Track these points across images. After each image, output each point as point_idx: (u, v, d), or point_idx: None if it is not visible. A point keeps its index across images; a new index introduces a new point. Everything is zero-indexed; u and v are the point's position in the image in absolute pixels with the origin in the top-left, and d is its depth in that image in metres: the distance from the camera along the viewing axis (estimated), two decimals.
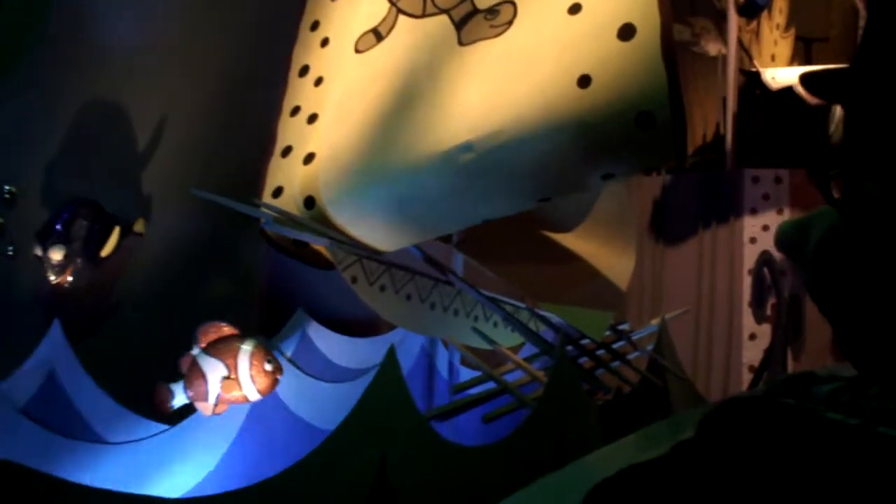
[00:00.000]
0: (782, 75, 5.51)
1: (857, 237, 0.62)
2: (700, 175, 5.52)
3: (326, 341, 2.95)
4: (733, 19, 5.78)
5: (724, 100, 5.74)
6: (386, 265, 2.83)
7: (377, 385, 2.23)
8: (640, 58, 2.32)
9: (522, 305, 3.15)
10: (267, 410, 2.61)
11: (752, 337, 4.95)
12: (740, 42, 6.21)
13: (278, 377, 2.49)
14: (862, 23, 6.86)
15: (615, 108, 2.34)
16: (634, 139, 2.35)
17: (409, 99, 2.68)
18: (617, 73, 2.35)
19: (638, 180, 5.77)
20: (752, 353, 4.93)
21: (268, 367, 2.47)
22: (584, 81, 2.38)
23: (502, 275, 2.88)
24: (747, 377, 4.94)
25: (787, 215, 5.13)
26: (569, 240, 3.13)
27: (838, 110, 5.19)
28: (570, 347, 2.96)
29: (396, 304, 2.86)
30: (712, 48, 6.33)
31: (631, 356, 3.34)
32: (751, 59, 5.88)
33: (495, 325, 3.34)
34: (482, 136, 2.47)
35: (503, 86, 2.50)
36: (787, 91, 5.35)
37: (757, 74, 5.56)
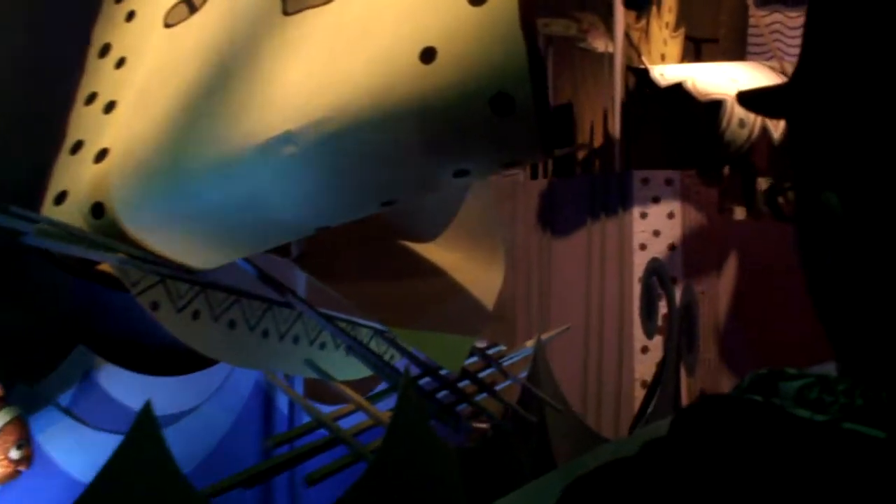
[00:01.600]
0: (671, 72, 5.23)
1: (819, 248, 0.62)
2: (587, 177, 5.18)
3: (119, 383, 2.39)
4: (619, 12, 5.47)
5: (614, 98, 5.43)
6: (200, 286, 2.31)
7: (129, 445, 1.71)
8: (494, 26, 1.88)
9: (383, 328, 2.66)
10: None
11: (644, 350, 4.62)
12: (629, 40, 5.94)
13: (20, 469, 1.94)
14: (752, 21, 6.73)
15: (466, 88, 1.89)
16: (490, 127, 1.90)
17: (223, 81, 2.17)
18: (467, 45, 1.89)
19: (524, 184, 5.40)
20: (645, 368, 4.60)
21: (14, 454, 1.92)
22: (427, 55, 1.92)
23: (348, 294, 2.40)
24: (640, 393, 4.60)
25: (678, 219, 4.83)
26: (430, 251, 2.68)
27: (730, 108, 4.94)
28: (427, 379, 2.51)
29: (215, 334, 2.34)
30: (600, 44, 6.04)
31: (501, 386, 2.90)
32: (640, 56, 5.59)
33: (348, 352, 2.85)
34: (305, 124, 1.98)
35: (332, 63, 2.01)
36: (677, 89, 5.06)
37: (645, 72, 5.26)
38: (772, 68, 5.39)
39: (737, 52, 6.37)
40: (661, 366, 4.09)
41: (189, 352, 2.26)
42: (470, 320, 2.53)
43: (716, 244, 4.89)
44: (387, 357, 2.68)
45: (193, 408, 2.43)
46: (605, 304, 4.80)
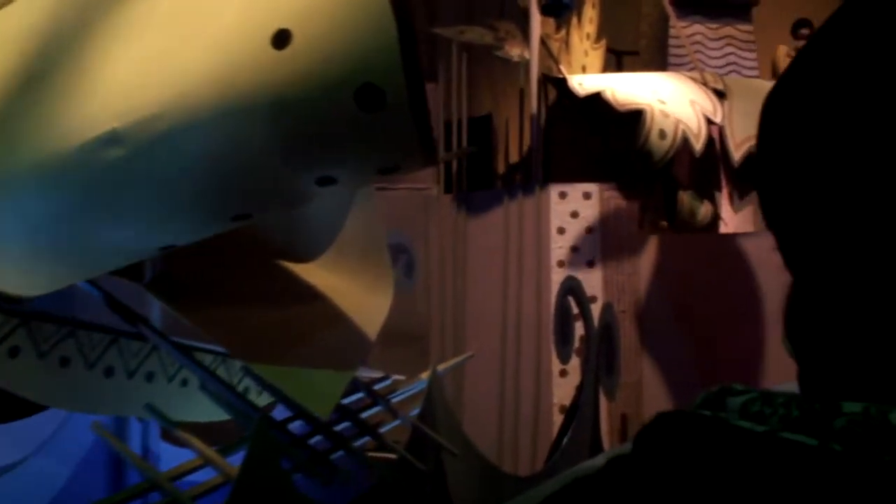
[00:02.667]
0: (590, 82, 5.01)
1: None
2: (503, 191, 4.91)
3: None
4: (536, 19, 5.24)
5: (534, 108, 5.19)
6: (20, 317, 1.94)
7: None
8: (360, 5, 1.57)
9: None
10: None
11: (563, 373, 4.35)
12: (548, 50, 5.72)
13: None
14: (672, 32, 6.60)
15: (327, 78, 1.58)
16: (356, 124, 1.59)
17: (44, 71, 1.82)
18: (328, 28, 1.58)
19: (437, 198, 5.11)
20: (563, 392, 4.32)
21: None
22: (281, 39, 1.60)
23: (205, 324, 2.05)
24: (558, 418, 4.32)
25: (596, 235, 4.59)
26: (311, 273, 2.35)
27: (650, 119, 4.74)
28: (298, 423, 2.17)
29: (42, 374, 1.97)
30: (516, 53, 5.81)
31: (388, 427, 2.55)
32: (557, 65, 5.36)
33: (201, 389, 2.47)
34: (133, 121, 1.64)
35: (168, 49, 1.68)
36: (596, 99, 4.84)
37: (563, 81, 5.03)
38: (693, 79, 5.22)
39: (658, 63, 6.22)
40: (579, 390, 3.83)
41: (7, 395, 1.88)
42: (348, 352, 2.21)
43: (637, 260, 4.66)
44: (258, 396, 2.33)
45: (17, 462, 2.04)
46: (522, 324, 4.52)
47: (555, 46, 6.24)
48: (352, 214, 2.40)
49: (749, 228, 5.05)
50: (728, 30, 6.20)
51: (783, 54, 6.45)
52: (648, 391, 4.61)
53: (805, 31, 5.89)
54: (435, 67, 5.46)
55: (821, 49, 0.63)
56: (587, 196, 4.63)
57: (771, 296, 4.34)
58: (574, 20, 6.22)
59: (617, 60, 7.44)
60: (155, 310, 2.28)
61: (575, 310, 3.47)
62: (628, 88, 4.94)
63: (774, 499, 0.55)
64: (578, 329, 3.58)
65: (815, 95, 0.62)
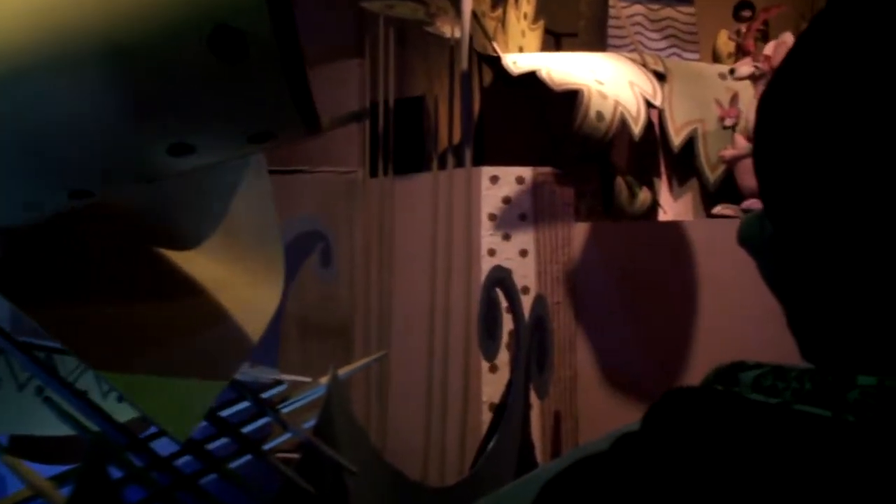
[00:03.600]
0: (525, 61, 4.74)
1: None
2: (433, 175, 4.62)
3: None
4: None
5: (464, 86, 4.90)
6: None
7: None
8: None
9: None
10: None
11: (493, 369, 4.09)
12: (482, 27, 5.44)
13: None
14: (612, 12, 6.37)
15: (173, 17, 1.26)
16: (213, 78, 1.28)
17: None
18: None
19: (362, 182, 4.80)
20: (493, 389, 4.07)
21: None
22: None
23: (51, 323, 1.71)
24: (488, 416, 4.06)
25: (530, 222, 4.33)
26: (190, 261, 2.03)
27: (587, 99, 4.48)
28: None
29: None
30: (448, 29, 5.51)
31: (274, 443, 2.22)
32: (490, 42, 5.08)
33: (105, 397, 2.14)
34: None
35: None
36: (530, 78, 4.58)
37: (497, 59, 4.76)
38: (633, 60, 4.99)
39: (597, 45, 5.96)
40: (508, 388, 3.56)
41: None
42: (223, 357, 1.89)
43: (572, 249, 4.42)
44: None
45: None
46: (451, 317, 4.24)
47: (490, 25, 5.95)
48: (241, 195, 2.08)
49: (689, 216, 4.85)
50: (669, 11, 5.99)
51: (724, 39, 6.26)
52: (583, 387, 4.38)
53: (746, 14, 5.71)
54: (362, 43, 5.13)
55: (816, 40, 0.64)
56: (520, 181, 4.37)
57: (711, 285, 4.12)
58: None
59: (556, 42, 7.18)
60: (4, 304, 1.94)
61: (504, 302, 3.20)
62: (565, 68, 4.69)
63: (789, 469, 0.56)
64: (508, 323, 3.32)
65: (811, 89, 0.62)
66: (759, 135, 0.67)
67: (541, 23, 6.40)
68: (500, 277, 3.20)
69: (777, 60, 4.11)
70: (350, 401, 2.65)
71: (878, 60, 0.57)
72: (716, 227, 4.16)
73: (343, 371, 2.64)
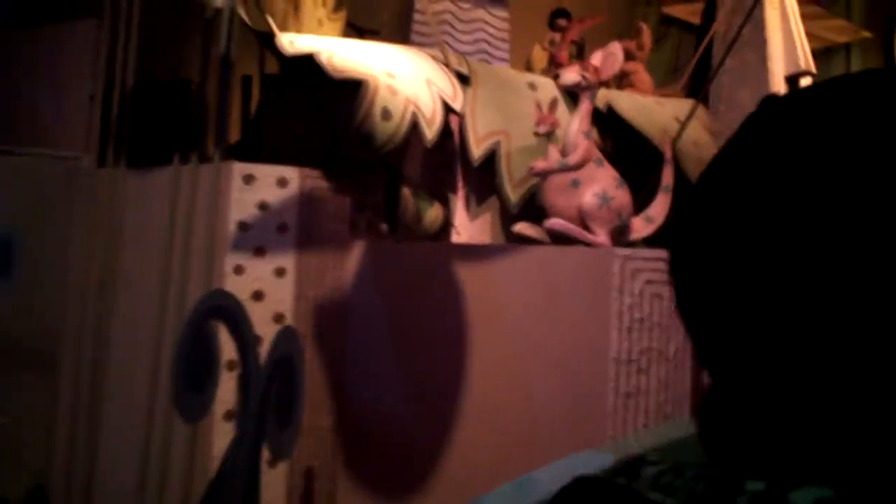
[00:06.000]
0: (304, 41, 3.94)
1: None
2: (173, 169, 3.68)
3: None
4: None
5: (223, 68, 4.02)
6: None
7: None
8: None
9: None
10: None
11: (228, 416, 3.21)
12: (258, 4, 4.59)
13: None
14: (418, 6, 5.71)
15: None
16: None
17: None
18: None
19: (88, 173, 3.80)
20: (225, 443, 3.18)
21: None
22: None
23: None
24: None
25: (291, 234, 3.51)
26: None
27: (372, 93, 3.74)
28: None
29: None
30: (219, 1, 4.62)
31: None
32: (265, 15, 4.22)
33: None
34: None
35: None
36: (308, 62, 3.78)
37: (271, 36, 3.93)
38: (434, 57, 4.31)
39: (400, 40, 5.28)
40: (231, 449, 2.72)
41: None
42: None
43: (344, 270, 3.64)
44: None
45: None
46: None
47: (280, 8, 5.14)
48: None
49: (486, 238, 4.19)
50: (481, 13, 5.40)
51: (539, 53, 5.75)
52: (348, 435, 3.59)
53: (562, 23, 5.22)
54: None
55: (735, 155, 0.69)
56: (283, 183, 3.54)
57: (504, 319, 3.44)
58: None
59: (359, 37, 6.50)
60: None
61: (218, 342, 2.35)
62: (352, 55, 3.92)
63: None
64: (219, 367, 2.47)
65: (732, 196, 0.67)
66: (677, 242, 0.72)
67: (342, 13, 5.65)
68: (219, 306, 2.36)
69: (606, 72, 3.53)
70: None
71: (796, 175, 0.64)
72: (514, 254, 3.50)
73: None
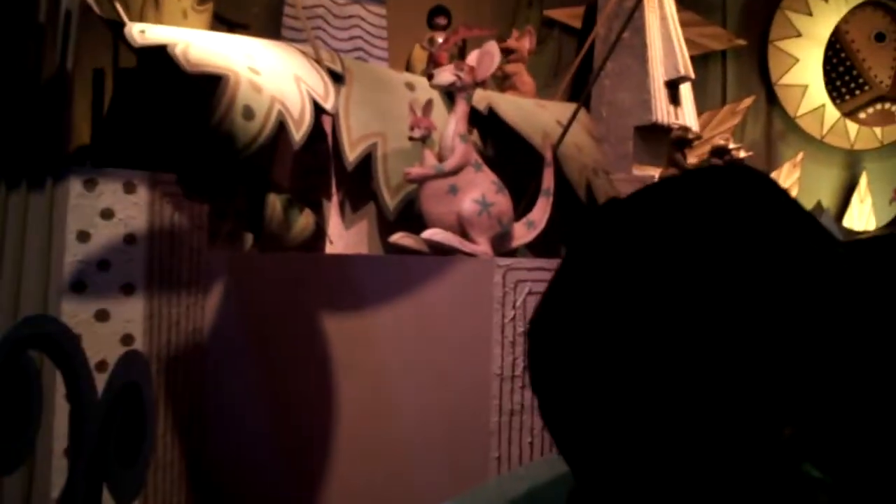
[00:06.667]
0: (157, 32, 3.58)
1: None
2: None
3: None
4: None
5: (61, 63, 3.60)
6: None
7: None
8: None
9: None
10: None
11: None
12: None
13: None
14: (289, 0, 5.41)
15: None
16: None
17: None
18: None
19: None
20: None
21: None
22: None
23: None
24: None
25: (141, 245, 3.14)
26: None
27: (232, 89, 3.41)
28: None
29: None
30: None
31: None
32: (115, 4, 3.82)
33: None
34: None
35: None
36: (160, 54, 3.42)
37: (120, 26, 3.54)
38: (304, 53, 4.01)
39: (272, 35, 4.95)
40: (63, 495, 2.36)
41: None
42: None
43: (203, 285, 3.30)
44: None
45: None
46: None
47: (138, 1, 4.73)
48: None
49: (362, 248, 3.92)
50: (357, 9, 5.13)
51: (419, 54, 5.52)
52: (206, 472, 3.25)
53: (441, 21, 5.01)
54: None
55: (576, 274, 0.73)
56: (130, 189, 3.17)
57: (380, 332, 3.17)
58: None
59: (228, 31, 6.13)
60: None
61: (59, 370, 2.00)
62: (211, 47, 3.59)
63: None
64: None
65: (576, 318, 0.70)
66: (532, 364, 0.76)
67: (209, 4, 5.26)
68: (38, 335, 2.01)
69: (483, 72, 3.31)
70: None
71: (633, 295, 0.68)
72: (389, 266, 3.24)
73: None
